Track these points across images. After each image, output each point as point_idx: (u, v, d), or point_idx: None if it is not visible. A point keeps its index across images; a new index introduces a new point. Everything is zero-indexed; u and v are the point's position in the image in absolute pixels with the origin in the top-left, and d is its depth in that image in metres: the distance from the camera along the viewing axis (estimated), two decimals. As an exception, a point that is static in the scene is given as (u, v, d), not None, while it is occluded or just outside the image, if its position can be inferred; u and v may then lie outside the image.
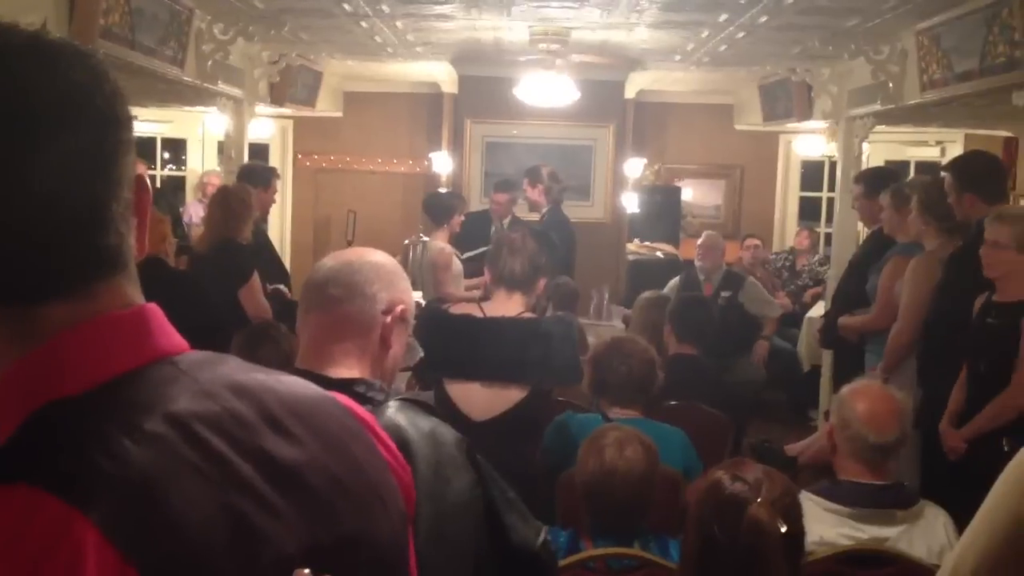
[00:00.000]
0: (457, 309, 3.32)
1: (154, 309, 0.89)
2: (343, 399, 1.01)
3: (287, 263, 7.39)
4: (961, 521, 1.34)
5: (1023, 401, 3.44)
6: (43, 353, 0.82)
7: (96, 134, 0.84)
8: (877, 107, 5.91)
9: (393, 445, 1.05)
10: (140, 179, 0.89)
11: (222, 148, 7.48)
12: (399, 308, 1.79)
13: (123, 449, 0.77)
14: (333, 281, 1.77)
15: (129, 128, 0.87)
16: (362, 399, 1.61)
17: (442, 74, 8.42)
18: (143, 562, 0.75)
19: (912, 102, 5.41)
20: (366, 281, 1.78)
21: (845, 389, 2.84)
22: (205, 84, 5.75)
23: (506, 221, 6.69)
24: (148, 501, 0.77)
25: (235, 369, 0.92)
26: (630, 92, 8.50)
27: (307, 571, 0.85)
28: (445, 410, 3.21)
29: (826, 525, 2.56)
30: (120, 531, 0.74)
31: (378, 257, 1.86)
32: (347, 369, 1.72)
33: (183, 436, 0.81)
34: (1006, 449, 3.54)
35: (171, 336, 0.89)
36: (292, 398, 0.94)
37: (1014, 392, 3.45)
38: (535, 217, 6.57)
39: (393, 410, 1.63)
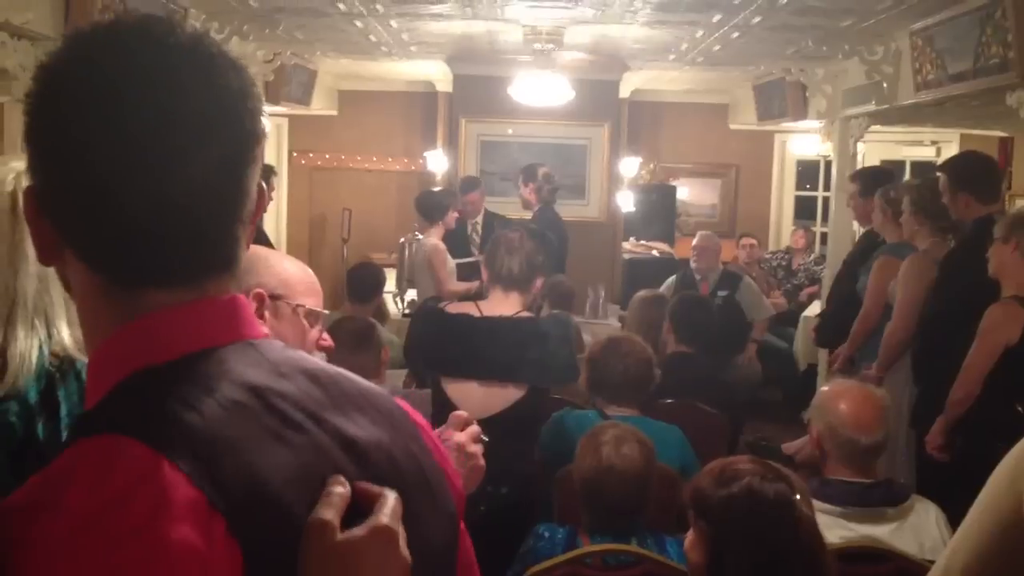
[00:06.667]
0: (454, 308, 3.32)
1: (244, 300, 0.93)
2: (403, 403, 1.04)
3: (282, 262, 7.36)
4: (957, 520, 1.35)
5: (967, 391, 3.55)
6: (139, 326, 0.86)
7: (237, 147, 0.86)
8: (871, 107, 5.92)
9: (446, 453, 1.08)
10: (260, 189, 0.91)
11: (217, 147, 7.46)
12: (252, 293, 1.64)
13: (208, 407, 0.81)
14: None
15: (263, 144, 0.89)
16: None
17: (437, 73, 8.41)
18: (229, 509, 0.77)
19: (906, 102, 5.42)
20: None
21: (823, 394, 2.79)
22: (200, 83, 5.74)
23: (479, 217, 6.68)
24: (232, 454, 0.80)
25: (305, 358, 0.96)
26: (625, 91, 8.48)
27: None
28: (443, 409, 3.21)
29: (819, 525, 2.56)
30: (207, 478, 0.77)
31: None
32: None
33: (262, 404, 0.85)
34: (958, 446, 3.58)
35: (255, 325, 0.93)
36: (356, 390, 0.97)
37: (958, 384, 3.55)
38: (528, 215, 6.56)
39: None
